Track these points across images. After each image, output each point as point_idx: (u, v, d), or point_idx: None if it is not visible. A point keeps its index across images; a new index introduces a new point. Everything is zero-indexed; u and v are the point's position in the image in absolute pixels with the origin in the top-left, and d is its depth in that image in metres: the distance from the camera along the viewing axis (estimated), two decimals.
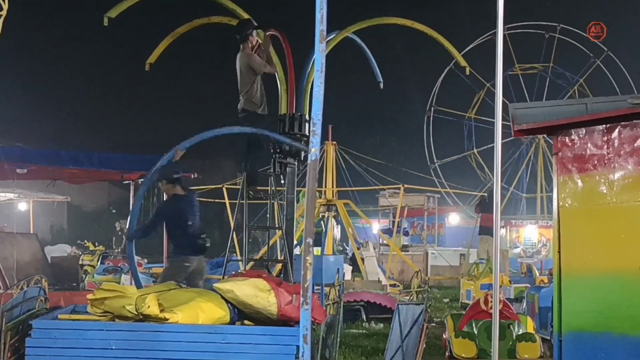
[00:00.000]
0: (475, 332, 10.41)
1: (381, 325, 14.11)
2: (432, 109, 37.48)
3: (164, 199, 9.92)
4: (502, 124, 7.07)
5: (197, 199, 10.23)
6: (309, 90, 10.56)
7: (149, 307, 6.51)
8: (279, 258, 11.78)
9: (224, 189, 20.86)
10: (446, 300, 19.99)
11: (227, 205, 19.49)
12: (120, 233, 24.53)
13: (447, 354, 10.48)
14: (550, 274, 14.07)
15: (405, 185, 27.04)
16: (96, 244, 26.51)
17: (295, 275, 9.97)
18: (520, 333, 10.42)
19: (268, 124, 10.21)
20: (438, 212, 34.05)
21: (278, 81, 10.69)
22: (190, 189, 10.21)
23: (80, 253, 23.03)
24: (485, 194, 24.67)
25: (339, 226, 24.36)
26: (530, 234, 32.67)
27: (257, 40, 10.24)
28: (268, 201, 10.51)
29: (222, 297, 6.96)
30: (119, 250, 23.60)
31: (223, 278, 8.80)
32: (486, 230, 21.30)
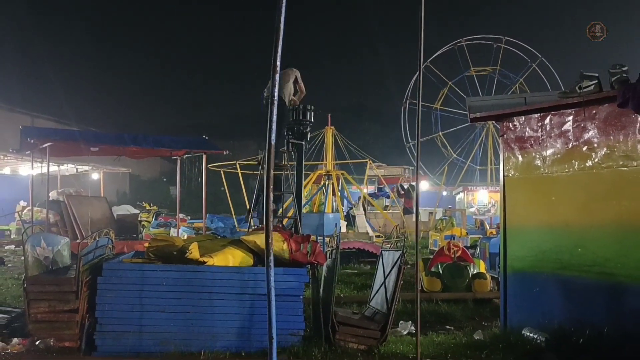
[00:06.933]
0: (441, 271, 10.45)
1: (368, 266, 14.16)
2: (407, 101, 37.29)
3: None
4: (461, 113, 7.07)
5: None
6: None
7: (191, 253, 6.53)
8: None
9: (237, 165, 20.74)
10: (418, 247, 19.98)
11: (240, 175, 19.35)
12: (174, 197, 24.42)
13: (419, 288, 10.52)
14: (498, 227, 14.05)
15: (371, 162, 27.00)
16: (151, 205, 26.56)
17: (303, 229, 9.95)
18: (474, 272, 10.46)
19: (285, 109, 9.97)
20: (412, 180, 34.07)
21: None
22: None
23: (139, 211, 23.04)
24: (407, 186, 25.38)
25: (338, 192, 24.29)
26: (482, 197, 32.82)
27: None
28: (282, 172, 10.41)
29: (247, 246, 6.98)
30: None
31: (248, 232, 8.76)
32: (406, 210, 21.85)
